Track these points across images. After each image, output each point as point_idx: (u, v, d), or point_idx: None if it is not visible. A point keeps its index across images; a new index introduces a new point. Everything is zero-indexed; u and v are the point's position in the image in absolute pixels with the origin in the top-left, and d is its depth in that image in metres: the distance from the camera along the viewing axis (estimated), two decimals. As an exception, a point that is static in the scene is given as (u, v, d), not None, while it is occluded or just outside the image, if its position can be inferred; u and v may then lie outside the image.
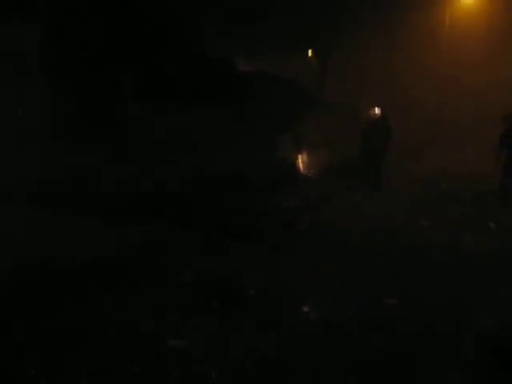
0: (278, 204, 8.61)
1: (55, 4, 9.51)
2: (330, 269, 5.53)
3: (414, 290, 5.03)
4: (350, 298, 4.71)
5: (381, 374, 3.51)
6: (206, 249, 6.15)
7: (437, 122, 19.15)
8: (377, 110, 10.86)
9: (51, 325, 4.00)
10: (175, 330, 3.98)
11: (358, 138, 11.13)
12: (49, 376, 3.31)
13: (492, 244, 6.82)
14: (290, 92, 13.85)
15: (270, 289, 4.90)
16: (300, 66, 19.50)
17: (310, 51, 20.84)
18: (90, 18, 9.99)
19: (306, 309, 4.48)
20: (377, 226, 7.59)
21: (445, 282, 5.27)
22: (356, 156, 11.41)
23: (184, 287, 4.88)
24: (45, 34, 9.36)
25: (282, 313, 4.37)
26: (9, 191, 7.55)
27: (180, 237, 6.60)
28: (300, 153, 7.37)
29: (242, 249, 6.19)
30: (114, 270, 5.31)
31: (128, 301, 4.52)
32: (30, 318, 4.09)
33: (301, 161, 7.38)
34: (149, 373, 3.40)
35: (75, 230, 6.58)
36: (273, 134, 11.70)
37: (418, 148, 17.02)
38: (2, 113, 8.73)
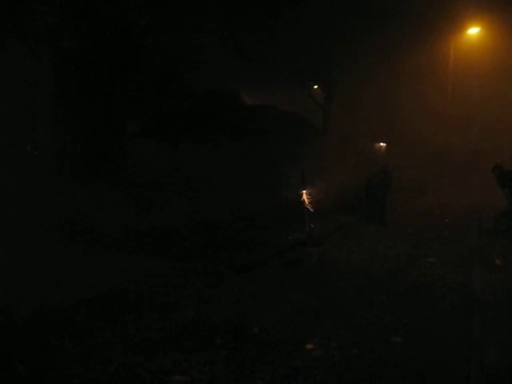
0: (283, 239, 8.59)
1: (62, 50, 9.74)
2: (335, 306, 5.47)
3: (419, 329, 4.95)
4: (354, 337, 4.65)
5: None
6: (209, 284, 6.12)
7: (440, 158, 19.19)
8: (380, 145, 11.07)
9: (53, 363, 3.97)
10: (179, 367, 3.94)
11: (362, 174, 11.28)
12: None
13: (499, 280, 6.74)
14: (296, 126, 13.99)
15: (274, 326, 4.84)
16: (305, 99, 19.77)
17: (315, 86, 21.13)
18: (100, 61, 10.20)
19: (309, 346, 4.42)
20: (381, 262, 7.57)
21: (451, 322, 5.18)
22: (361, 191, 11.47)
23: (186, 323, 4.84)
24: (51, 83, 9.56)
25: (286, 351, 4.30)
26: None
27: (183, 273, 6.56)
28: (305, 187, 7.40)
29: (245, 284, 6.16)
30: (115, 305, 5.28)
31: (130, 336, 4.49)
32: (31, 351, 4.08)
33: (306, 195, 7.39)
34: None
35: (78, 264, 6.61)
36: (278, 169, 11.77)
37: (421, 183, 17.02)
38: (11, 151, 8.81)
